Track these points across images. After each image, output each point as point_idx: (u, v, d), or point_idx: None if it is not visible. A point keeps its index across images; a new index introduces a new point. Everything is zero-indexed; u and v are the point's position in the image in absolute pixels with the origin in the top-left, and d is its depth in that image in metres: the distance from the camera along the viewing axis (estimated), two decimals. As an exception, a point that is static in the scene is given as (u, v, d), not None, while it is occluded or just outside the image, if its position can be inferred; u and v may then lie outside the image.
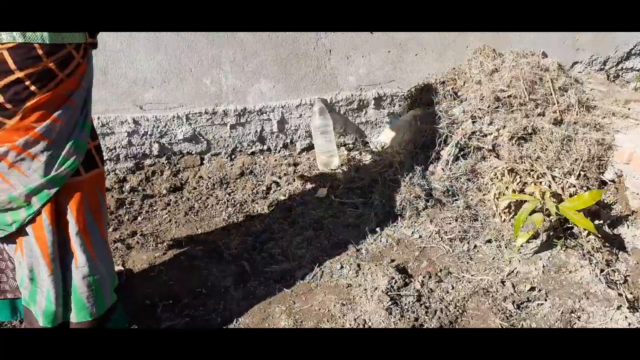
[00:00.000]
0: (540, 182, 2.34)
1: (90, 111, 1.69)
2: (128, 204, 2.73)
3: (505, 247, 2.24)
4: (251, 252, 2.34)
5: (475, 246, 2.28)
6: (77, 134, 1.61)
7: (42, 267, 1.65)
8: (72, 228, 1.66)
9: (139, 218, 2.64)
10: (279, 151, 3.12)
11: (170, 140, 3.00)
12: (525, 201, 2.21)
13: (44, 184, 1.58)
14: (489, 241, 2.28)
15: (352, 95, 3.08)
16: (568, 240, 2.20)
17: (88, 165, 1.67)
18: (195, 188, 2.90)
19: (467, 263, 2.19)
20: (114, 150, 2.91)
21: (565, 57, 3.21)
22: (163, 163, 3.02)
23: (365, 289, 2.05)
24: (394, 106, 3.16)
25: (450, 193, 2.50)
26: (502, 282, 2.07)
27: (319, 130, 2.96)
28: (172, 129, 2.97)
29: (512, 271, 2.13)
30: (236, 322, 1.99)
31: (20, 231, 1.63)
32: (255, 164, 3.04)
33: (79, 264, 1.70)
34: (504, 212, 2.36)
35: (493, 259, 2.20)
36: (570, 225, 2.25)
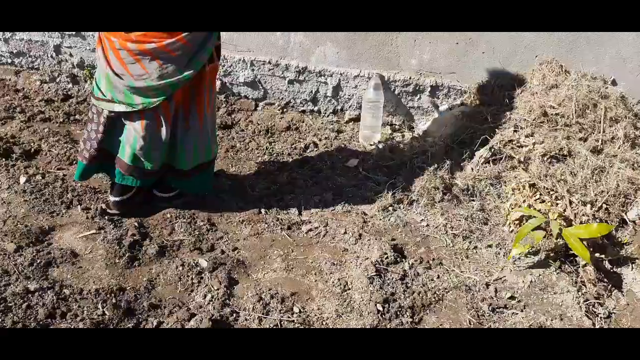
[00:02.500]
0: (557, 204, 2.38)
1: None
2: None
3: (503, 256, 2.32)
4: (271, 197, 2.55)
5: (475, 247, 2.37)
6: (209, 42, 2.07)
7: (163, 131, 2.14)
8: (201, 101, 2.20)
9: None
10: (328, 115, 3.28)
11: (232, 80, 3.22)
12: (535, 217, 2.27)
13: (180, 79, 2.02)
14: (490, 246, 2.36)
15: (410, 78, 3.16)
16: (565, 265, 2.25)
17: (209, 61, 2.14)
18: (242, 130, 3.12)
19: (461, 260, 2.29)
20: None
21: (637, 90, 3.12)
22: (221, 100, 3.27)
23: (358, 256, 2.21)
24: (448, 98, 3.21)
25: (469, 193, 2.58)
26: (487, 284, 2.17)
27: (370, 104, 3.08)
28: (236, 71, 3.19)
29: (500, 278, 2.21)
30: (237, 253, 2.21)
31: (143, 110, 2.07)
32: (303, 122, 3.21)
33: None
34: (514, 224, 2.42)
35: (487, 262, 2.29)
36: (574, 252, 2.29)
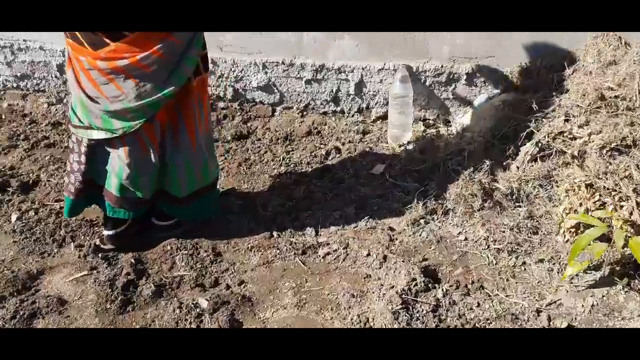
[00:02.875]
0: (621, 207, 1.97)
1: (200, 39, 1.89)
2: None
3: (558, 273, 1.94)
4: (285, 216, 2.27)
5: (523, 263, 2.00)
6: (191, 52, 1.82)
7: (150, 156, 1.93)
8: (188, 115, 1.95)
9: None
10: (352, 115, 2.96)
11: (244, 86, 2.97)
12: (594, 225, 1.88)
13: (160, 97, 1.79)
14: (541, 261, 1.99)
15: (442, 67, 2.79)
16: (635, 282, 1.85)
17: (196, 73, 1.90)
18: (259, 139, 2.86)
19: (507, 281, 1.94)
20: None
21: None
22: (236, 108, 3.02)
23: (382, 285, 1.90)
24: (488, 85, 2.82)
25: (514, 197, 2.20)
26: (538, 311, 1.80)
27: (397, 100, 2.73)
28: (248, 75, 2.93)
29: (555, 301, 1.84)
30: (243, 287, 1.95)
31: (124, 135, 1.84)
32: (325, 124, 2.92)
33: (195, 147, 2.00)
34: (569, 232, 2.03)
35: (538, 282, 1.92)
36: (646, 265, 1.89)
